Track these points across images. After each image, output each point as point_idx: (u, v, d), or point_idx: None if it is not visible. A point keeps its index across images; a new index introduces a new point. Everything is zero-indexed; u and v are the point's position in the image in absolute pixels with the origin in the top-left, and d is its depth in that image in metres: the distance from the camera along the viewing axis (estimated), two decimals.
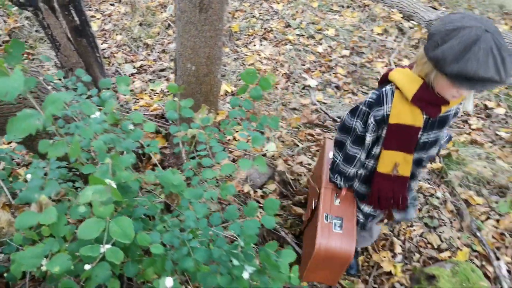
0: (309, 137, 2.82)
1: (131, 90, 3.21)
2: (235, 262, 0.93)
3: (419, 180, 1.67)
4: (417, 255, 2.18)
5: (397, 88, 1.34)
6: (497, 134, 2.98)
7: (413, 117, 1.33)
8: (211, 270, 0.90)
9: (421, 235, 2.28)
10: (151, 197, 1.14)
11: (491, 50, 1.05)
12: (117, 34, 3.99)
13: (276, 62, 3.70)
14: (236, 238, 0.96)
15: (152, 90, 3.25)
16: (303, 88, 3.39)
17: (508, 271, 2.10)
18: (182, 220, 1.07)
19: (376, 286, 2.05)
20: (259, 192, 2.34)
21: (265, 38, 4.08)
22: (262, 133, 2.71)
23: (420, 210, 2.40)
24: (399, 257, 2.17)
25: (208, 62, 2.08)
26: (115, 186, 0.76)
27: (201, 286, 0.93)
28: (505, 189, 2.53)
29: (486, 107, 3.22)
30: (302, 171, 2.50)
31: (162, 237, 0.96)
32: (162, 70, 3.54)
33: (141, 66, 3.59)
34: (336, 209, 1.67)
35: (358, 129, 1.45)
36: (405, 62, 3.71)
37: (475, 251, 2.20)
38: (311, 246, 1.67)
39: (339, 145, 1.60)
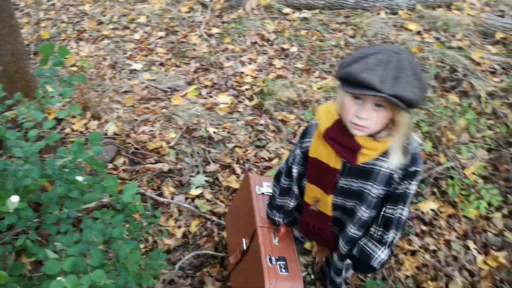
0: (146, 110, 3.09)
1: None
2: (70, 176, 1.18)
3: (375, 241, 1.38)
4: (255, 169, 2.68)
5: None
6: (295, 67, 3.71)
7: (328, 156, 1.26)
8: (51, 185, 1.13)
9: (255, 155, 2.79)
10: None
11: (386, 62, 0.99)
12: None
13: (99, 57, 3.82)
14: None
15: None
16: (131, 73, 3.62)
17: None
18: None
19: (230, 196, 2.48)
20: (110, 165, 2.54)
21: (80, 39, 4.14)
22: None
23: (249, 137, 2.92)
24: (242, 177, 2.64)
25: (14, 59, 2.16)
26: None
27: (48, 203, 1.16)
28: (307, 103, 3.22)
29: (283, 49, 3.94)
30: (146, 138, 2.77)
31: None
32: None
33: None
34: (277, 248, 1.59)
35: (290, 161, 1.43)
36: (214, 30, 4.22)
37: None
38: None
39: (277, 178, 1.52)
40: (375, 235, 1.34)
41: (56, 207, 1.16)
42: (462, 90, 3.16)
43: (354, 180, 1.26)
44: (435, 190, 2.51)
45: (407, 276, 2.11)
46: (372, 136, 1.15)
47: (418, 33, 3.90)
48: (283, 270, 1.50)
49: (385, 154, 1.18)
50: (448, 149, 2.67)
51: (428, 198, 2.47)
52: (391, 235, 1.31)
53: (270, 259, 1.53)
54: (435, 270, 2.10)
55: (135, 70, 3.64)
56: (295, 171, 1.40)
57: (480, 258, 2.20)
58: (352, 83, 1.02)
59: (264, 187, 1.80)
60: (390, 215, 1.29)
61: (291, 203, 1.51)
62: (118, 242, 1.19)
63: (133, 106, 3.14)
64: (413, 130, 1.22)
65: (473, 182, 2.46)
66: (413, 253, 2.21)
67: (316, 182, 1.34)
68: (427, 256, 2.19)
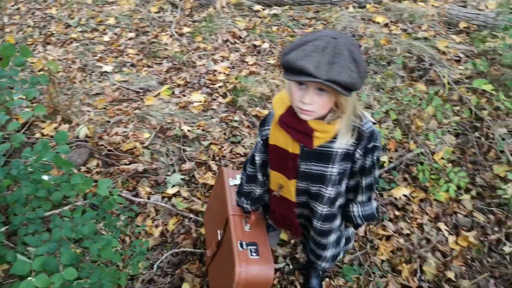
0: (118, 112, 3.06)
1: None
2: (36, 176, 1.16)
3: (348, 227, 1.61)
4: (231, 165, 2.69)
5: None
6: (268, 63, 3.73)
7: (286, 141, 1.31)
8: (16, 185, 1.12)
9: (230, 151, 2.80)
10: None
11: (323, 49, 1.03)
12: None
13: (67, 61, 3.75)
14: None
15: None
16: (101, 75, 3.57)
17: None
18: None
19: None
20: (83, 168, 2.50)
21: (48, 43, 4.05)
22: (71, 121, 2.83)
23: (224, 133, 2.93)
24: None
25: None
26: None
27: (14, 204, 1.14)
28: None
29: (255, 46, 3.96)
30: (119, 140, 2.74)
31: None
32: None
33: None
34: (248, 234, 1.62)
35: (253, 149, 1.48)
36: (186, 30, 4.20)
37: None
38: (224, 279, 1.64)
39: (244, 167, 1.57)
40: (364, 200, 1.48)
41: (23, 207, 1.15)
42: (429, 79, 3.25)
43: (314, 163, 1.32)
44: (407, 176, 2.58)
45: (382, 261, 2.17)
46: (322, 119, 1.20)
47: (386, 25, 3.99)
48: (254, 254, 1.53)
49: (337, 136, 1.25)
50: (417, 136, 2.75)
51: (400, 184, 2.54)
52: (374, 191, 1.54)
53: (241, 244, 1.55)
54: (409, 252, 2.16)
55: (105, 72, 3.59)
56: (257, 158, 1.45)
57: (451, 239, 2.28)
58: (291, 70, 1.06)
59: (237, 179, 1.82)
60: (369, 183, 1.42)
61: (258, 190, 1.56)
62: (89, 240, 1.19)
63: (105, 108, 3.10)
64: (362, 111, 1.29)
65: (442, 166, 2.54)
66: (388, 238, 2.26)
67: (278, 169, 1.39)
68: (401, 240, 2.25)
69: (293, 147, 1.30)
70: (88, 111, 3.01)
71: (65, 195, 1.24)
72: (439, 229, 2.31)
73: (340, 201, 1.50)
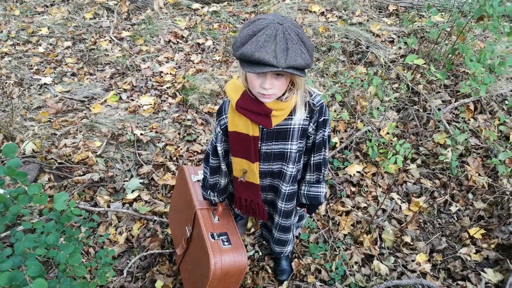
0: (64, 123, 2.94)
1: None
2: None
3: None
4: (189, 163, 2.69)
5: None
6: (213, 60, 3.75)
7: (245, 126, 1.35)
8: None
9: (187, 150, 2.80)
10: None
11: (274, 37, 1.07)
12: None
13: (1, 76, 3.53)
14: None
15: None
16: (41, 87, 3.40)
17: None
18: None
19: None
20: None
21: None
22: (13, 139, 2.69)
23: (179, 133, 2.92)
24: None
25: None
26: None
27: None
28: None
29: (198, 44, 3.96)
30: (69, 151, 2.64)
31: None
32: None
33: None
34: (218, 226, 1.64)
35: (213, 140, 1.49)
36: (125, 34, 4.10)
37: None
38: (198, 273, 1.65)
39: (206, 160, 1.58)
40: (312, 179, 1.55)
41: None
42: (367, 61, 3.44)
43: (274, 143, 1.40)
44: (358, 154, 2.72)
45: (345, 235, 2.28)
46: (279, 99, 1.28)
47: (322, 14, 4.15)
48: (226, 243, 1.56)
49: (293, 112, 1.33)
50: (363, 115, 2.91)
51: (353, 162, 2.68)
52: (323, 173, 1.55)
53: (212, 235, 1.57)
54: (368, 224, 2.29)
55: (45, 84, 3.42)
56: (219, 149, 1.47)
57: (404, 206, 2.45)
58: (249, 62, 1.11)
59: (199, 175, 1.85)
60: (318, 161, 1.50)
61: (222, 181, 1.59)
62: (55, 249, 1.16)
63: (49, 121, 2.97)
64: (310, 87, 1.40)
65: (389, 140, 2.71)
66: (347, 213, 2.39)
67: (240, 154, 1.43)
68: (360, 213, 2.38)
69: (254, 130, 1.35)
70: (32, 125, 2.86)
71: (19, 214, 1.19)
72: (392, 199, 2.47)
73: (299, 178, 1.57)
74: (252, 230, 2.28)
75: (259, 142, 1.39)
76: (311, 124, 1.38)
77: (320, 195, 1.58)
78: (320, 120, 1.38)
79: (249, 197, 1.55)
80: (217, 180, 1.59)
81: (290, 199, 1.57)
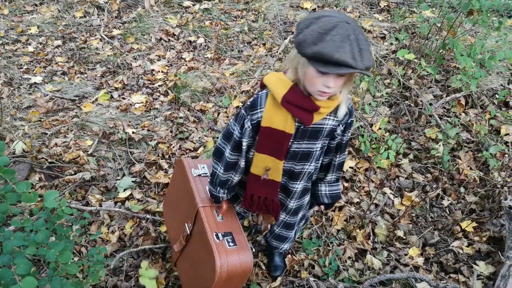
0: (55, 122, 2.91)
1: None
2: None
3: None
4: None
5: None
6: (205, 57, 3.74)
7: (284, 122, 1.31)
8: None
9: (180, 148, 2.79)
10: None
11: (348, 37, 1.06)
12: None
13: None
14: None
15: None
16: (31, 87, 3.37)
17: None
18: None
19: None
20: None
21: None
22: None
23: (171, 131, 2.90)
24: (170, 170, 2.62)
25: None
26: None
27: None
28: (223, 90, 3.28)
29: (190, 42, 3.94)
30: (60, 151, 2.62)
31: None
32: None
33: None
34: (222, 225, 1.58)
35: (236, 135, 1.41)
36: (116, 32, 4.07)
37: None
38: (200, 272, 1.61)
39: (218, 155, 1.51)
40: (332, 179, 1.61)
41: None
42: None
43: (305, 141, 1.40)
44: (351, 149, 2.73)
45: (338, 230, 2.29)
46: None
47: (314, 10, 4.14)
48: (231, 244, 1.51)
49: (331, 111, 1.34)
50: (355, 111, 2.91)
51: (346, 157, 2.68)
52: (341, 172, 1.65)
53: (216, 235, 1.52)
54: (361, 219, 2.30)
55: (35, 83, 3.39)
56: (245, 144, 1.41)
57: (396, 201, 2.46)
58: (326, 62, 1.08)
59: (200, 169, 1.78)
60: (342, 160, 1.56)
61: (236, 178, 1.53)
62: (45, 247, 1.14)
63: (39, 120, 2.94)
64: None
65: (381, 136, 2.72)
66: (340, 208, 2.39)
67: (267, 151, 1.39)
68: (353, 209, 2.39)
69: (290, 127, 1.32)
70: (22, 125, 2.83)
71: (9, 214, 1.18)
72: (384, 194, 2.48)
73: (315, 176, 1.60)
74: (252, 225, 2.28)
75: (292, 140, 1.37)
76: (340, 126, 1.41)
77: (340, 192, 1.65)
78: (348, 121, 1.42)
79: (266, 194, 1.50)
80: (231, 176, 1.52)
81: (301, 196, 1.61)
